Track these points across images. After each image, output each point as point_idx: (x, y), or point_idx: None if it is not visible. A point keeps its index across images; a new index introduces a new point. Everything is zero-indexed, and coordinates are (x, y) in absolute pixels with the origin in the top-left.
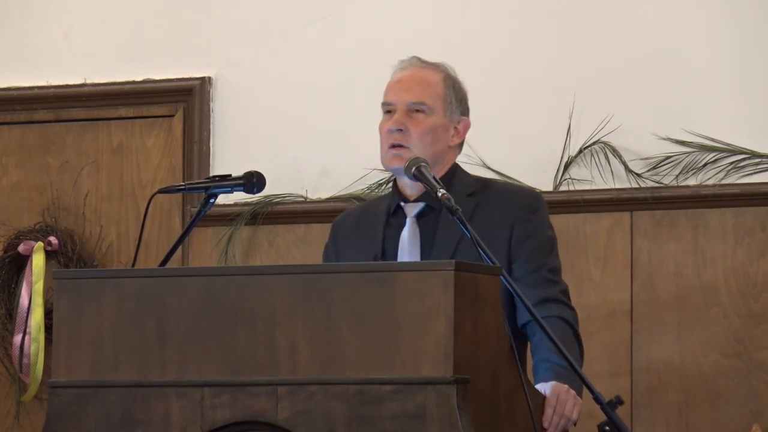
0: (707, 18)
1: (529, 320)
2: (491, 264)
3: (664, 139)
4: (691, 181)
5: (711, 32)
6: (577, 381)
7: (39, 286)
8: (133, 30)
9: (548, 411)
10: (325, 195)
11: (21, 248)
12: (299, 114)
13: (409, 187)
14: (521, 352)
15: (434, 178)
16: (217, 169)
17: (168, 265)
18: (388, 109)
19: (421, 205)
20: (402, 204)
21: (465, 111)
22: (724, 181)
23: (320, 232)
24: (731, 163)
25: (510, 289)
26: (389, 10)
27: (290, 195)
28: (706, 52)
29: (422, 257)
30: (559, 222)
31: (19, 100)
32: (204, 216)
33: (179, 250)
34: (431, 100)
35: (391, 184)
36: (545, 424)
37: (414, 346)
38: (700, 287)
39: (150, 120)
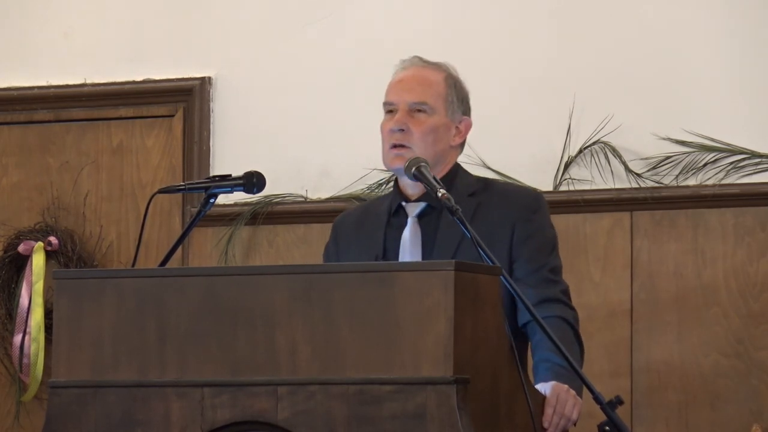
0: (707, 18)
1: (529, 320)
2: (491, 264)
3: (664, 139)
4: (691, 181)
5: (711, 32)
6: (577, 381)
7: (39, 286)
8: (133, 30)
9: (548, 411)
10: (325, 195)
11: (21, 248)
12: (299, 114)
13: (411, 186)
14: (522, 352)
15: (434, 178)
16: (217, 169)
17: (168, 265)
18: (390, 109)
19: (422, 204)
20: (403, 204)
21: (466, 111)
22: (724, 181)
23: (320, 232)
24: (731, 163)
25: (510, 289)
26: (389, 10)
27: (290, 195)
28: (706, 52)
29: (423, 257)
30: (559, 222)
31: (19, 100)
32: (204, 216)
33: (179, 250)
34: (433, 100)
35: (391, 184)
36: (545, 424)
37: (414, 346)
38: (700, 287)
39: (150, 120)
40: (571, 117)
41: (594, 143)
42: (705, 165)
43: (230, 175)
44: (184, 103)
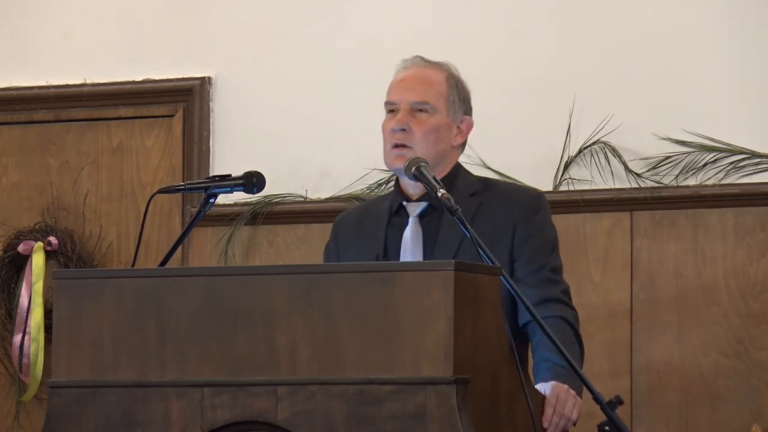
0: (707, 18)
1: (530, 320)
2: (491, 264)
3: (664, 139)
4: (691, 181)
5: (711, 32)
6: (577, 381)
7: (39, 286)
8: (133, 30)
9: (548, 411)
10: (325, 195)
11: (21, 248)
12: (299, 114)
13: (412, 186)
14: (522, 352)
15: (434, 178)
16: (217, 169)
17: (168, 265)
18: (391, 109)
19: (423, 204)
20: (404, 203)
21: (468, 110)
22: (724, 181)
23: (320, 232)
24: (731, 163)
25: (510, 289)
26: (389, 10)
27: (290, 195)
28: (706, 52)
29: (425, 257)
30: (559, 222)
31: (19, 100)
32: (204, 216)
33: (179, 250)
34: (434, 100)
35: (391, 184)
36: (545, 424)
37: (414, 346)
38: (700, 287)
39: (150, 120)
40: (571, 117)
41: (594, 143)
42: (705, 165)
43: (230, 175)
44: (184, 103)
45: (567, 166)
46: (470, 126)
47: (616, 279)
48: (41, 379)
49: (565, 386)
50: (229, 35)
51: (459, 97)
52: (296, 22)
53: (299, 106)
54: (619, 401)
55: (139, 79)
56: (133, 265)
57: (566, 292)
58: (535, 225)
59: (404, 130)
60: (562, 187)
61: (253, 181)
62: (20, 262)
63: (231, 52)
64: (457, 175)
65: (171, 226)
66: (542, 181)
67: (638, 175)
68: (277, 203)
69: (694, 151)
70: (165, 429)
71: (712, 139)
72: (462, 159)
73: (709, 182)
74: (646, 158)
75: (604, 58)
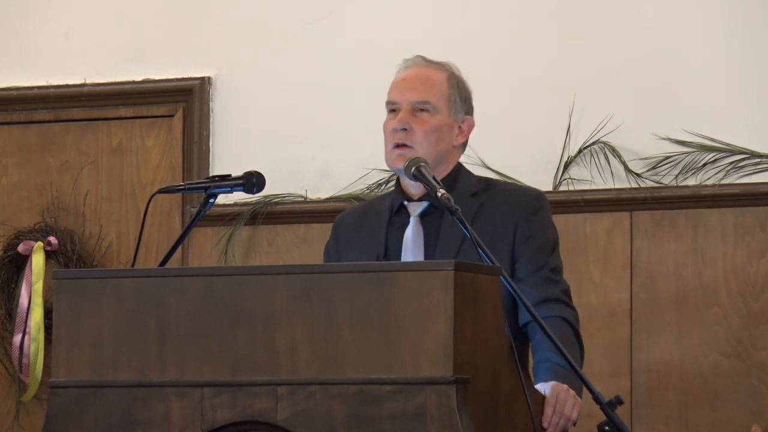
0: (707, 18)
1: (530, 320)
2: (491, 264)
3: (663, 139)
4: (691, 181)
5: (711, 32)
6: (577, 381)
7: (39, 286)
8: (133, 30)
9: (548, 411)
10: (324, 195)
11: (21, 248)
12: (299, 114)
13: (413, 186)
14: (523, 352)
15: (434, 177)
16: (217, 169)
17: (168, 265)
18: (393, 108)
19: (424, 204)
20: (405, 203)
21: (469, 110)
22: (723, 181)
23: (320, 232)
24: (731, 163)
25: (510, 289)
26: (389, 10)
27: (290, 195)
28: (706, 52)
29: (426, 257)
30: (559, 222)
31: (19, 100)
32: (204, 216)
33: (179, 250)
34: (435, 100)
35: (390, 184)
36: (545, 424)
37: (414, 346)
38: (700, 287)
39: (150, 120)
40: (570, 117)
41: (594, 143)
42: (705, 165)
43: (230, 175)
44: (184, 103)
45: (567, 166)
46: (471, 126)
47: (616, 279)
48: (41, 379)
49: (565, 386)
50: (229, 35)
51: (460, 97)
52: (296, 22)
53: (299, 106)
54: (619, 401)
55: (139, 79)
56: (133, 265)
57: (566, 292)
58: (535, 225)
59: (405, 129)
60: (562, 187)
61: (253, 181)
62: (20, 262)
63: (231, 52)
64: (459, 175)
65: (171, 226)
66: (542, 181)
67: (638, 175)
68: (277, 203)
69: (693, 151)
70: (165, 429)
71: (712, 139)
72: (462, 159)
73: (709, 182)
74: (646, 158)
75: (604, 58)
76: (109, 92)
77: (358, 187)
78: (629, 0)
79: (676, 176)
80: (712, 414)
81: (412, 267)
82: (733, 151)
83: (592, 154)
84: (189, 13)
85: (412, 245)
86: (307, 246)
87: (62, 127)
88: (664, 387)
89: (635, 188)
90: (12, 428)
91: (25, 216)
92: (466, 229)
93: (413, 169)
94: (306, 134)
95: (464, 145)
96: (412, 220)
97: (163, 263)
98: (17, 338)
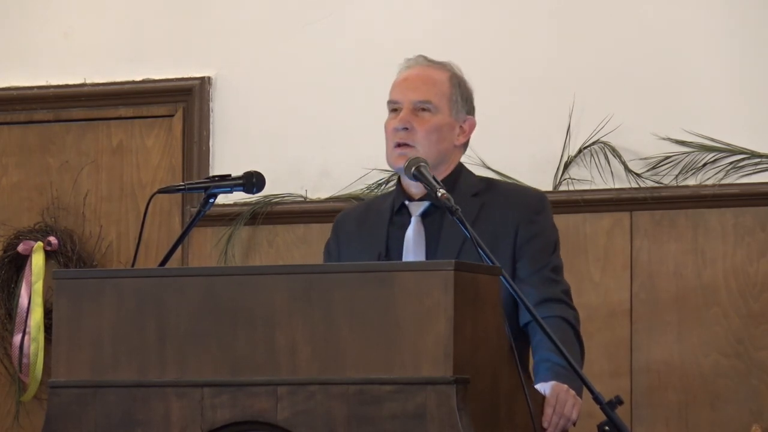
0: (707, 18)
1: (531, 320)
2: (491, 264)
3: (663, 139)
4: (691, 181)
5: (711, 32)
6: (577, 381)
7: (38, 286)
8: (133, 30)
9: (548, 411)
10: (324, 195)
11: (21, 248)
12: (299, 114)
13: (414, 185)
14: (523, 352)
15: (434, 177)
16: (216, 169)
17: (168, 265)
18: (394, 108)
19: (425, 204)
20: (407, 203)
21: (471, 110)
22: (723, 181)
23: (320, 232)
24: (731, 163)
25: (510, 289)
26: (389, 10)
27: (290, 195)
28: (706, 52)
29: (427, 257)
30: (559, 222)
31: (19, 100)
32: (204, 216)
33: (179, 250)
34: (437, 99)
35: (390, 184)
36: (545, 424)
37: (414, 346)
38: (700, 287)
39: (150, 120)
40: (570, 117)
41: (594, 143)
42: (705, 165)
43: (230, 175)
44: (184, 103)
45: (567, 166)
46: (473, 126)
47: (616, 279)
48: (41, 379)
49: (565, 386)
50: (229, 35)
51: (462, 97)
52: (296, 22)
53: (299, 106)
54: (619, 401)
55: (138, 79)
56: (133, 265)
57: (567, 292)
58: (537, 225)
59: (407, 129)
60: (562, 187)
61: (252, 181)
62: (20, 262)
63: (231, 52)
64: (460, 175)
65: (171, 226)
66: (542, 181)
67: (638, 175)
68: (277, 203)
69: (693, 151)
70: (165, 429)
71: (712, 139)
72: (462, 159)
73: (709, 182)
74: (646, 158)
75: (604, 58)
76: (109, 92)
77: (358, 187)
78: (629, 0)
79: (676, 176)
80: (712, 414)
81: (412, 267)
82: (733, 151)
83: (592, 154)
84: (189, 13)
85: (413, 245)
86: (307, 246)
87: (62, 127)
88: (664, 387)
89: (635, 188)
90: (12, 428)
91: (25, 216)
92: (466, 229)
93: (413, 169)
94: (306, 134)
95: (465, 145)
96: (413, 219)
97: (163, 263)
98: (17, 338)
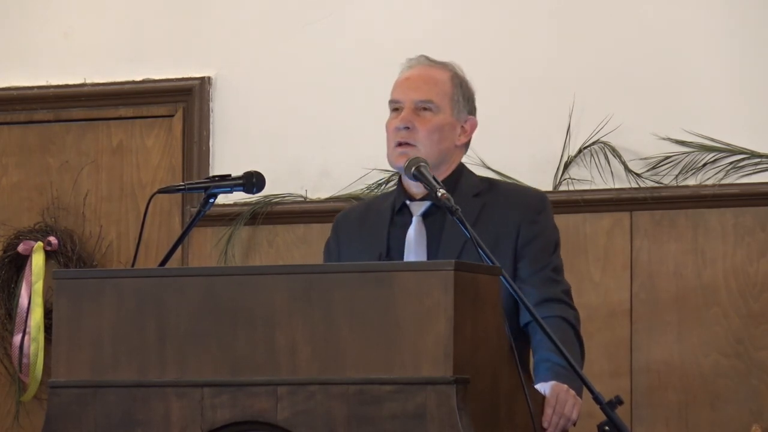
0: (707, 18)
1: (531, 320)
2: (491, 264)
3: (663, 139)
4: (691, 181)
5: (711, 32)
6: (577, 381)
7: (38, 286)
8: (133, 30)
9: (548, 411)
10: (324, 195)
11: (21, 248)
12: (299, 114)
13: (415, 185)
14: (524, 352)
15: (434, 177)
16: (216, 169)
17: (168, 265)
18: (396, 107)
19: (426, 203)
20: (408, 202)
21: (472, 110)
22: (723, 181)
23: (320, 232)
24: (731, 163)
25: (510, 289)
26: (389, 10)
27: (290, 195)
28: (706, 52)
29: (429, 257)
30: (559, 222)
31: (19, 100)
32: (204, 216)
33: (179, 250)
34: (438, 99)
35: (390, 184)
36: (545, 424)
37: (414, 346)
38: (700, 287)
39: (150, 120)
40: (570, 117)
41: (594, 143)
42: (705, 165)
43: (230, 175)
44: (184, 103)
45: (567, 166)
46: (474, 126)
47: (616, 279)
48: (41, 379)
49: (565, 386)
50: (229, 35)
51: (463, 97)
52: (296, 22)
53: (299, 106)
54: (619, 401)
55: (139, 79)
56: (133, 265)
57: (567, 292)
58: (539, 226)
59: (408, 128)
60: (562, 187)
61: (252, 181)
62: (20, 262)
63: (231, 52)
64: (461, 175)
65: (171, 226)
66: (542, 181)
67: (638, 175)
68: (277, 203)
69: (693, 151)
70: (165, 429)
71: (712, 139)
72: (462, 159)
73: (709, 182)
74: (646, 158)
75: (604, 58)
76: (109, 92)
77: (358, 187)
78: (629, 0)
79: (676, 176)
80: (712, 414)
81: (411, 267)
82: (733, 151)
83: (592, 154)
84: (189, 13)
85: (414, 245)
86: (307, 246)
87: (62, 127)
88: (664, 387)
89: (635, 188)
90: (12, 428)
91: (25, 216)
92: (466, 229)
93: (413, 169)
94: (306, 134)
95: (467, 145)
96: (414, 219)
97: (163, 263)
98: (17, 338)
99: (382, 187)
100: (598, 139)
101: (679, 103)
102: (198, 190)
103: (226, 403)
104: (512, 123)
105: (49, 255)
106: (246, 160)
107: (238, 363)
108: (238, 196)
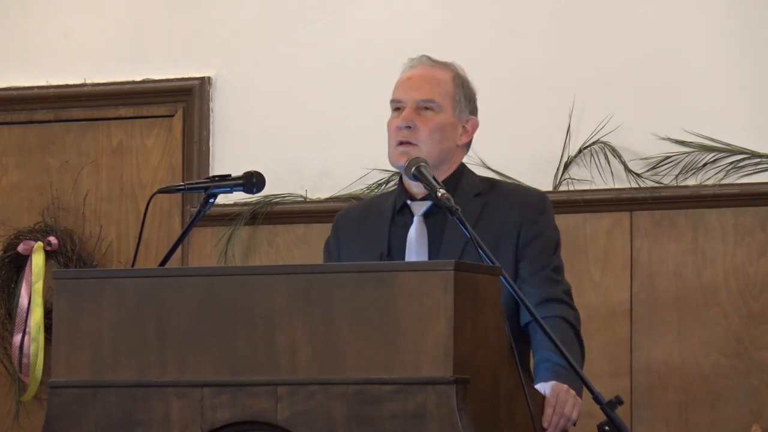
0: (707, 18)
1: (531, 320)
2: (491, 264)
3: (663, 139)
4: (691, 181)
5: (711, 32)
6: (577, 381)
7: (39, 286)
8: (133, 30)
9: (548, 411)
10: (324, 195)
11: (21, 248)
12: (299, 114)
13: (416, 185)
14: (524, 352)
15: (434, 177)
16: (216, 169)
17: (168, 265)
18: (397, 107)
19: (428, 203)
20: (409, 202)
21: (474, 110)
22: (723, 181)
23: (320, 232)
24: (731, 163)
25: (510, 289)
26: (389, 10)
27: (290, 195)
28: (706, 52)
29: (430, 256)
30: (559, 222)
31: (19, 100)
32: (203, 216)
33: (179, 250)
34: (440, 98)
35: (390, 184)
36: (545, 424)
37: (414, 346)
38: (700, 287)
39: (150, 120)
40: (570, 117)
41: (594, 143)
42: (705, 165)
43: (230, 175)
44: (184, 103)
45: (567, 166)
46: (475, 126)
47: (616, 279)
48: (41, 379)
49: (565, 386)
50: (229, 35)
51: (465, 97)
52: (296, 22)
53: (299, 106)
54: (619, 401)
55: (139, 79)
56: (133, 265)
57: (568, 292)
58: (540, 226)
59: (410, 127)
60: (562, 187)
61: (252, 181)
62: (20, 262)
63: (231, 52)
64: (462, 175)
65: (171, 226)
66: (542, 181)
67: (638, 175)
68: (277, 203)
69: (694, 151)
70: (165, 429)
71: (712, 139)
72: (463, 159)
73: (709, 182)
74: (646, 158)
75: (604, 58)
76: (109, 92)
77: (358, 187)
78: (629, 0)
79: (676, 176)
80: (712, 414)
81: (412, 267)
82: (733, 151)
83: (592, 154)
84: (189, 13)
85: (416, 245)
86: (307, 246)
87: (62, 127)
88: (664, 387)
89: (635, 188)
90: (12, 428)
91: (25, 216)
92: (466, 229)
93: (413, 169)
94: (306, 134)
95: (468, 145)
96: (415, 219)
97: (163, 263)
98: (17, 338)
99: (382, 187)
100: (598, 139)
101: (679, 103)
102: (198, 190)
103: (226, 403)
104: (512, 123)
105: (49, 255)
106: (246, 160)
107: (238, 363)
108: (238, 196)
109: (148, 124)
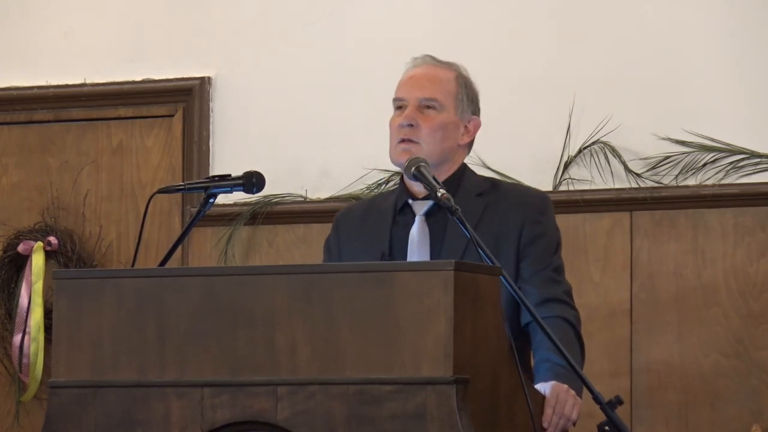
0: (707, 18)
1: (531, 320)
2: (491, 264)
3: (663, 139)
4: (691, 181)
5: (711, 32)
6: (577, 381)
7: (38, 286)
8: (133, 30)
9: (548, 411)
10: (324, 195)
11: (21, 248)
12: (299, 114)
13: (417, 184)
14: (524, 352)
15: (434, 177)
16: (216, 169)
17: (168, 265)
18: (399, 105)
19: (429, 203)
20: (410, 201)
21: (476, 111)
22: (723, 181)
23: (320, 232)
24: (731, 163)
25: (510, 289)
26: (389, 10)
27: (290, 195)
28: (706, 52)
29: (432, 256)
30: (559, 222)
31: (19, 100)
32: (203, 216)
33: (179, 250)
34: (443, 97)
35: (390, 185)
36: (545, 424)
37: (414, 346)
38: (700, 287)
39: (150, 120)
40: (570, 117)
41: (594, 143)
42: (705, 165)
43: (230, 175)
44: (184, 103)
45: (567, 166)
46: (477, 126)
47: (616, 279)
48: (41, 379)
49: (565, 386)
50: (229, 35)
51: (467, 97)
52: (296, 22)
53: (299, 106)
54: (619, 401)
55: (138, 79)
56: (132, 265)
57: (568, 292)
58: (541, 226)
59: (411, 125)
60: (562, 187)
61: (252, 181)
62: (20, 262)
63: (231, 52)
64: (464, 174)
65: (171, 226)
66: (542, 181)
67: (638, 175)
68: (277, 203)
69: (693, 151)
70: (165, 429)
71: (712, 139)
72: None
73: (709, 182)
74: (645, 158)
75: (604, 58)
76: (109, 92)
77: (358, 187)
78: (629, 0)
79: (676, 176)
80: (712, 414)
81: (411, 267)
82: (733, 151)
83: (592, 154)
84: (189, 13)
85: (417, 245)
86: (307, 246)
87: (62, 127)
88: (664, 387)
89: (635, 188)
90: (12, 428)
91: (25, 216)
92: (466, 228)
93: (413, 168)
94: (306, 134)
95: (470, 145)
96: (417, 219)
97: (163, 263)
98: (17, 338)
99: (382, 187)
100: (598, 139)
101: (679, 103)
102: (198, 190)
103: (226, 403)
104: (512, 123)
105: (49, 255)
106: (246, 160)
107: (238, 363)
108: (238, 196)
109: (148, 124)
